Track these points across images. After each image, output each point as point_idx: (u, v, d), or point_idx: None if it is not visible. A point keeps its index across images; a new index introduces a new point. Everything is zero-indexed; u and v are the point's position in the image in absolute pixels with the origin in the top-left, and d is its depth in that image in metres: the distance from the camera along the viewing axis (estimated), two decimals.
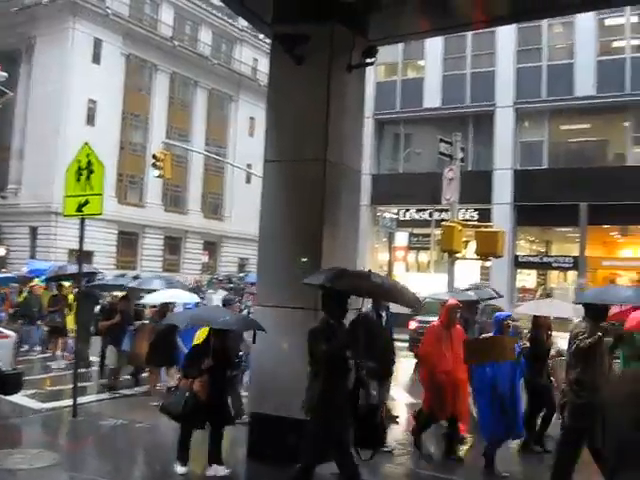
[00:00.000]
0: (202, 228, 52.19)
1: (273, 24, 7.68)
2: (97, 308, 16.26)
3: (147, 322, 14.04)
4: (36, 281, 21.09)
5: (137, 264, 46.49)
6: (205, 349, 7.32)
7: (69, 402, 11.28)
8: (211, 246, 53.85)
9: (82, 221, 10.17)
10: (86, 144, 10.00)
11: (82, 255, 10.98)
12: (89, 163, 9.73)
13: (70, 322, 16.41)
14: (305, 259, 7.18)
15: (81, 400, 11.55)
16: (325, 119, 7.26)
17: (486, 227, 13.64)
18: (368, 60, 7.67)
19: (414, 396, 12.19)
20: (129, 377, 14.31)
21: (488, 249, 12.25)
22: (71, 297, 17.17)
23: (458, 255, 13.28)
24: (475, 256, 13.30)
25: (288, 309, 7.29)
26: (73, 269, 18.15)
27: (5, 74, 28.73)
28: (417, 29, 8.69)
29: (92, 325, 15.23)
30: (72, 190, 9.87)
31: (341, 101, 7.50)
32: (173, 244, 50.79)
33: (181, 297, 14.04)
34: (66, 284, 18.79)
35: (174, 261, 50.27)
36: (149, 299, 13.91)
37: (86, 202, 9.71)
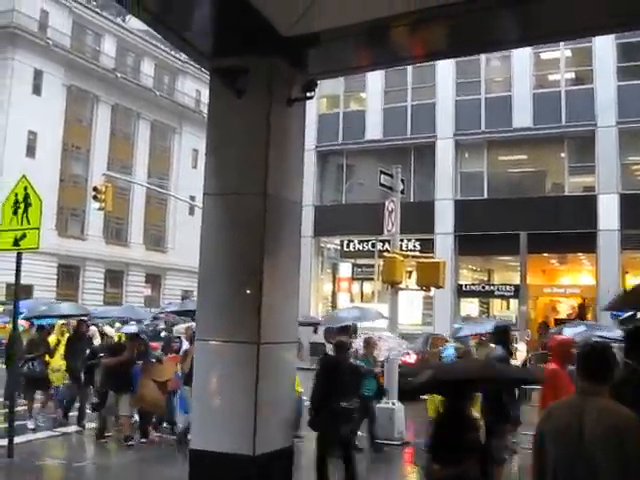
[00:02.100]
0: (144, 260, 51.57)
1: (212, 57, 7.68)
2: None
3: (154, 360, 13.05)
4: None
5: (78, 298, 45.62)
6: (454, 418, 5.24)
7: (4, 442, 10.94)
8: (154, 279, 53.22)
9: (19, 255, 9.98)
10: (24, 177, 9.85)
11: (19, 289, 10.71)
12: (26, 196, 9.57)
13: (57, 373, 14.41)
14: (248, 291, 7.14)
15: (20, 439, 11.19)
16: (265, 152, 7.26)
17: (427, 258, 13.76)
18: (308, 94, 7.71)
19: None
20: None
21: (429, 280, 12.38)
22: (53, 340, 15.02)
23: (401, 286, 13.40)
24: (417, 287, 13.43)
25: (228, 343, 7.22)
26: (64, 309, 16.89)
27: None
28: (357, 63, 8.78)
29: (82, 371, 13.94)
30: (8, 224, 9.69)
31: (281, 134, 7.53)
32: (115, 277, 50.04)
33: None
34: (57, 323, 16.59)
35: (116, 294, 49.49)
36: None
37: (23, 236, 9.54)
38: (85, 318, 16.36)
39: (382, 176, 13.52)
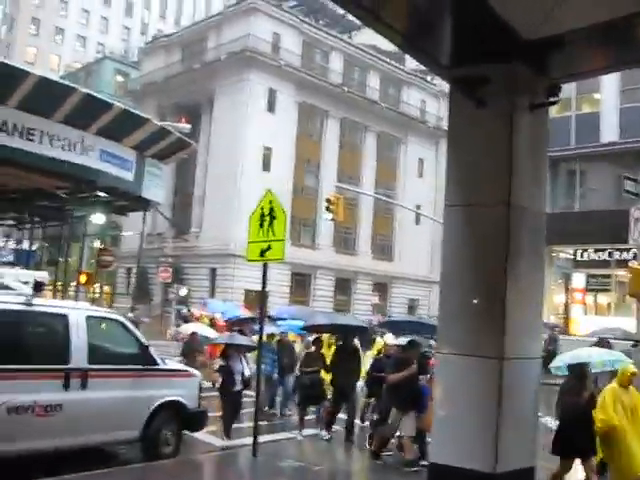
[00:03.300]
0: (371, 269, 52.58)
1: (451, 67, 7.60)
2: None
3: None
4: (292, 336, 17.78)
5: (309, 304, 47.47)
6: None
7: (250, 440, 11.49)
8: (380, 287, 54.04)
9: (265, 266, 10.53)
10: (269, 191, 10.38)
11: (264, 298, 11.31)
12: (271, 210, 10.09)
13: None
14: (491, 305, 6.99)
15: (263, 439, 11.70)
16: (508, 162, 7.08)
17: None
18: (551, 99, 7.41)
19: None
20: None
21: None
22: (328, 353, 14.57)
23: None
24: None
25: (471, 357, 7.10)
26: (342, 320, 15.82)
27: (189, 126, 30.56)
28: (601, 64, 8.32)
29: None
30: (255, 236, 10.25)
31: (524, 143, 7.30)
32: (343, 285, 51.50)
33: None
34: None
35: (344, 301, 50.89)
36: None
37: (268, 247, 10.06)
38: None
39: (627, 182, 12.71)
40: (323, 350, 14.75)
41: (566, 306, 32.73)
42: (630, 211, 13.04)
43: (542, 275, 7.62)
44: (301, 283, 48.42)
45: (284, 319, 21.21)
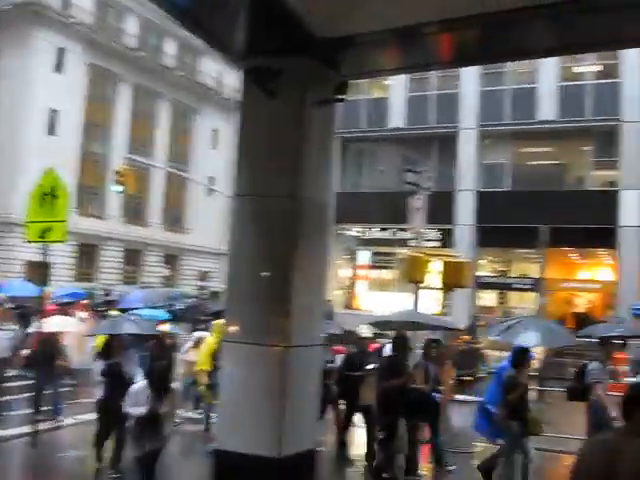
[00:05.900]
0: (163, 241, 51.63)
1: (244, 58, 7.60)
2: None
3: None
4: None
5: (95, 276, 45.87)
6: None
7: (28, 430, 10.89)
8: (171, 259, 53.30)
9: (46, 247, 9.99)
10: (51, 169, 9.81)
11: (43, 274, 10.70)
12: (53, 188, 9.53)
13: None
14: (278, 295, 7.12)
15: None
16: (296, 154, 7.24)
17: (451, 256, 13.40)
18: (340, 96, 7.64)
19: None
20: None
21: (454, 280, 12.16)
22: None
23: (423, 285, 13.22)
24: (437, 285, 13.17)
25: (257, 345, 7.22)
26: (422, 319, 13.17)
27: None
28: (388, 66, 8.76)
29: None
30: (35, 215, 9.65)
31: (312, 136, 7.48)
32: (133, 256, 50.13)
33: None
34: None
35: (133, 273, 49.63)
36: None
37: (49, 228, 9.50)
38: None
39: (408, 173, 13.42)
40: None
41: (351, 281, 34.16)
42: (411, 201, 13.77)
43: (327, 264, 7.87)
44: (88, 254, 46.49)
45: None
